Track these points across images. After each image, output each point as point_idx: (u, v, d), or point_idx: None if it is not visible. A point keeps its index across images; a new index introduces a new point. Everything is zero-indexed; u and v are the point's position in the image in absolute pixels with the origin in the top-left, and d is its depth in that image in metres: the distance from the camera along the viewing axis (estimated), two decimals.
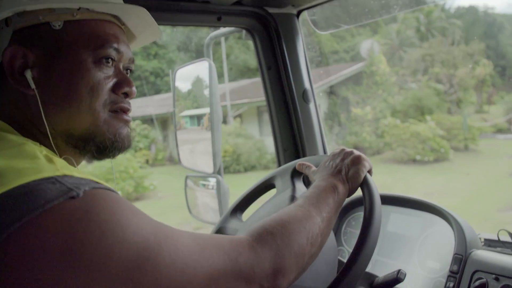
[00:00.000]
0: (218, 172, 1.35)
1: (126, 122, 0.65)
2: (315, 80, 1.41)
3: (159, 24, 0.73)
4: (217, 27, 1.44)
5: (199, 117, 1.44)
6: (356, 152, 0.80)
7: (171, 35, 13.88)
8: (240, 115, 12.73)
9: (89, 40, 0.61)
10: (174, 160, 12.39)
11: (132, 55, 0.68)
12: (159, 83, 15.00)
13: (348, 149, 0.82)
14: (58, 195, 0.45)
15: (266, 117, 12.35)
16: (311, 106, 1.35)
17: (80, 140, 0.62)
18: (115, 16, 0.66)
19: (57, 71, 0.60)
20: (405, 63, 12.36)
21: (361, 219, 0.71)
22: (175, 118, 1.47)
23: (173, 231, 0.52)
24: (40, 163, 0.49)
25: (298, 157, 1.34)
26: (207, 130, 1.35)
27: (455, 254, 0.91)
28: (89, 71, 0.60)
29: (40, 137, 0.60)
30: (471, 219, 0.99)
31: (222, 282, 0.52)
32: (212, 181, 1.41)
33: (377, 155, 10.03)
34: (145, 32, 0.72)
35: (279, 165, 1.36)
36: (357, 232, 1.13)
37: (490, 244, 0.97)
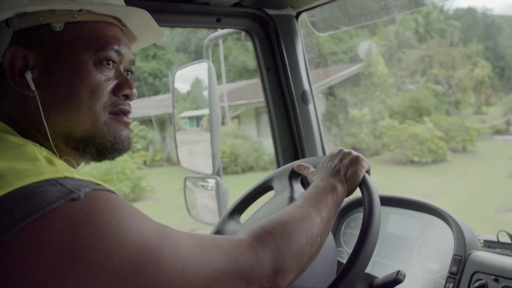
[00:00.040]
0: (218, 173, 1.35)
1: (126, 124, 0.65)
2: (313, 81, 1.41)
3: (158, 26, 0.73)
4: (216, 28, 1.44)
5: (198, 118, 1.44)
6: (354, 153, 0.80)
7: (169, 36, 13.88)
8: (238, 116, 12.73)
9: (89, 41, 0.61)
10: (171, 161, 12.37)
11: (132, 56, 0.68)
12: (157, 84, 14.99)
13: (346, 150, 0.82)
14: (59, 197, 0.45)
15: (264, 118, 12.35)
16: (310, 107, 1.36)
17: (80, 142, 0.61)
18: (116, 18, 0.66)
19: (58, 73, 0.59)
20: (404, 64, 12.40)
21: (360, 220, 0.71)
22: (174, 119, 1.47)
23: (173, 232, 0.52)
24: (41, 164, 0.49)
25: (297, 158, 1.34)
26: (206, 131, 1.35)
27: (455, 255, 0.91)
28: (90, 73, 0.60)
29: (40, 139, 0.60)
30: (469, 220, 0.99)
31: (222, 282, 0.52)
32: (211, 182, 1.41)
33: (375, 156, 10.05)
34: (146, 33, 0.72)
35: (278, 166, 1.36)
36: (356, 233, 1.13)
37: (490, 245, 0.97)
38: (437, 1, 1.45)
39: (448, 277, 0.90)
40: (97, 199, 0.47)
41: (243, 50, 14.32)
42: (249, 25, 1.32)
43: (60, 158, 0.59)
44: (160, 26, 0.72)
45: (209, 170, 1.32)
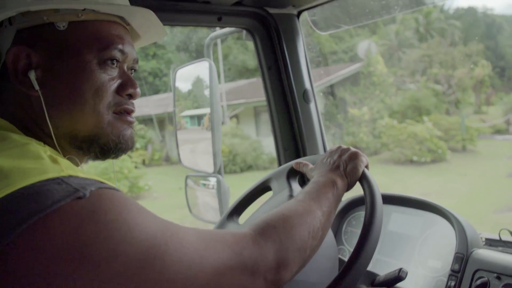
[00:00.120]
0: (219, 172, 1.35)
1: (130, 124, 0.65)
2: (313, 80, 1.41)
3: None
4: (217, 27, 1.44)
5: (199, 117, 1.44)
6: (353, 149, 0.81)
7: (169, 35, 13.87)
8: (236, 116, 12.72)
9: (93, 41, 0.61)
10: (170, 160, 12.37)
11: (136, 55, 0.67)
12: (157, 83, 15.00)
13: (344, 146, 0.83)
14: (64, 195, 0.45)
15: (263, 117, 12.35)
16: (312, 106, 1.36)
17: (84, 142, 0.61)
18: (120, 17, 0.65)
19: (61, 73, 0.59)
20: (404, 63, 12.40)
21: (362, 219, 0.72)
22: (176, 118, 1.47)
23: (178, 228, 0.52)
24: (45, 163, 0.49)
25: (298, 156, 1.34)
26: (207, 130, 1.35)
27: (457, 253, 0.91)
28: (94, 73, 0.60)
29: (43, 138, 0.59)
30: (467, 220, 0.99)
31: (228, 276, 0.53)
32: (213, 181, 1.41)
33: (374, 156, 10.05)
34: (149, 32, 0.72)
35: (279, 164, 1.36)
36: (358, 231, 1.13)
37: (491, 243, 0.97)
38: (437, 1, 1.45)
39: (450, 275, 0.90)
40: (103, 197, 0.47)
41: (243, 50, 14.31)
42: (250, 24, 1.32)
43: (64, 156, 0.59)
44: None
45: (210, 168, 1.32)
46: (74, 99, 0.59)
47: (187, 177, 1.48)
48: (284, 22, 1.33)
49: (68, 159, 0.58)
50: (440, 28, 12.70)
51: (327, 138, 1.41)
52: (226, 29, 1.45)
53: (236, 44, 14.48)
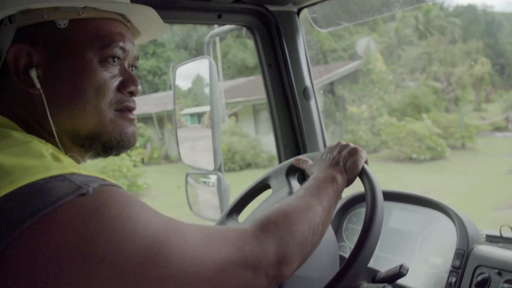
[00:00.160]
0: (219, 169, 1.35)
1: (131, 121, 0.65)
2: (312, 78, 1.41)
3: None
4: (217, 25, 1.44)
5: (199, 115, 1.44)
6: (352, 145, 0.82)
7: (169, 33, 13.84)
8: (235, 114, 12.71)
9: (94, 39, 0.61)
10: (169, 159, 12.37)
11: (137, 52, 0.67)
12: (157, 81, 14.98)
13: (344, 142, 0.84)
14: (68, 192, 0.45)
15: (262, 115, 12.34)
16: (312, 103, 1.36)
17: (86, 140, 0.62)
18: (121, 14, 0.65)
19: (62, 71, 0.59)
20: (403, 61, 12.40)
21: (362, 216, 0.72)
22: (176, 116, 1.46)
23: (181, 224, 0.52)
24: (47, 161, 0.49)
25: (299, 154, 1.34)
26: (207, 128, 1.35)
27: (457, 249, 0.91)
28: (95, 71, 0.60)
29: (45, 136, 0.60)
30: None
31: (229, 271, 0.53)
32: (213, 178, 1.41)
33: (373, 153, 10.05)
34: (150, 28, 0.72)
35: (280, 162, 1.36)
36: (358, 228, 1.13)
37: (492, 240, 0.98)
38: None
39: (451, 271, 0.91)
40: (106, 194, 0.48)
41: (243, 48, 14.29)
42: (250, 21, 1.32)
43: (66, 154, 0.59)
44: None
45: (210, 166, 1.32)
46: (75, 97, 0.59)
47: (187, 174, 1.48)
48: (284, 20, 1.33)
49: (69, 156, 0.58)
50: (439, 26, 12.69)
51: (326, 136, 1.41)
52: (226, 27, 1.45)
53: (235, 42, 14.46)
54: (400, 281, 0.90)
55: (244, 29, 1.37)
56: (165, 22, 1.27)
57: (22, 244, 0.42)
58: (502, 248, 0.91)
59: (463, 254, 0.90)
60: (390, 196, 1.11)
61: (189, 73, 1.50)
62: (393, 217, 1.10)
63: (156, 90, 14.57)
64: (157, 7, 0.69)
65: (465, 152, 9.81)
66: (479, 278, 0.85)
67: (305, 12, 1.39)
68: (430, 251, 0.99)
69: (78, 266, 0.43)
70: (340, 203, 1.20)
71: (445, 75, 11.43)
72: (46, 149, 0.52)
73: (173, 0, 1.15)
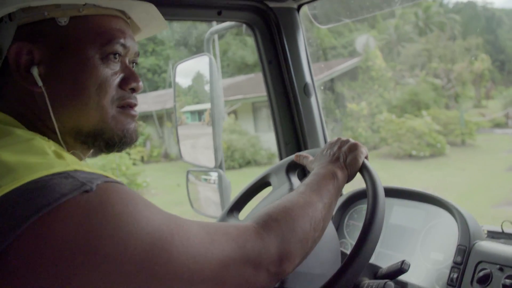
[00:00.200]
0: (220, 166, 1.35)
1: (133, 117, 0.65)
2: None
3: None
4: (217, 21, 1.43)
5: (200, 113, 1.44)
6: (352, 140, 0.82)
7: (168, 31, 13.81)
8: (234, 112, 12.70)
9: (95, 36, 0.61)
10: (169, 157, 12.37)
11: (137, 49, 0.67)
12: (156, 79, 14.96)
13: (344, 138, 0.84)
14: (72, 189, 0.45)
15: (261, 113, 12.33)
16: (312, 99, 1.35)
17: (89, 137, 0.62)
18: (121, 10, 0.65)
19: (64, 68, 0.59)
20: (403, 58, 12.38)
21: (363, 212, 0.72)
22: (176, 114, 1.46)
23: (184, 221, 0.53)
24: (50, 158, 0.49)
25: (299, 150, 1.34)
26: (208, 125, 1.35)
27: (459, 245, 0.91)
28: (97, 68, 0.60)
29: (48, 133, 0.60)
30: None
31: (232, 268, 0.53)
32: (214, 176, 1.41)
33: (373, 151, 10.06)
34: (150, 25, 0.72)
35: (281, 158, 1.36)
36: (359, 224, 1.13)
37: (494, 235, 0.97)
38: None
39: (452, 267, 0.91)
40: (109, 190, 0.48)
41: (242, 45, 14.25)
42: (250, 18, 1.31)
43: (68, 151, 0.59)
44: None
45: (211, 163, 1.32)
46: (78, 94, 0.59)
47: (188, 172, 1.48)
48: (284, 16, 1.32)
49: (71, 154, 0.58)
50: (439, 22, 12.67)
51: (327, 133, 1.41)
52: (226, 24, 1.44)
53: (235, 40, 14.42)
54: (402, 277, 0.90)
55: (244, 26, 1.36)
56: (164, 19, 1.26)
57: (26, 240, 0.42)
58: (504, 244, 0.91)
59: (465, 250, 0.90)
60: (391, 192, 1.11)
61: (189, 70, 1.49)
62: (395, 213, 1.10)
63: (155, 88, 14.56)
64: (156, 4, 0.69)
65: (465, 149, 9.81)
66: (481, 274, 0.85)
67: (305, 9, 1.38)
68: (431, 247, 0.99)
69: (82, 262, 0.43)
70: (341, 200, 1.20)
71: (445, 72, 11.41)
72: (49, 146, 0.52)
73: None
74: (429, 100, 11.02)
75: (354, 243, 0.68)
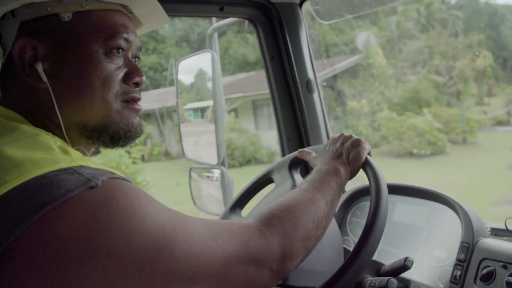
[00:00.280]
0: (222, 164, 1.35)
1: (137, 111, 0.66)
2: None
3: None
4: (219, 17, 1.43)
5: (202, 110, 1.44)
6: (355, 136, 0.82)
7: (170, 28, 13.79)
8: (235, 110, 12.68)
9: (99, 31, 0.61)
10: (169, 155, 12.37)
11: (140, 43, 0.67)
12: (158, 77, 14.94)
13: (347, 134, 0.83)
14: (77, 185, 0.45)
15: (261, 111, 12.31)
16: (315, 96, 1.35)
17: (94, 131, 0.62)
18: (123, 5, 0.65)
19: (68, 64, 0.59)
20: (405, 55, 12.34)
21: (366, 209, 0.72)
22: (179, 111, 1.46)
23: (187, 219, 0.53)
24: (56, 154, 0.50)
25: (302, 147, 1.34)
26: (211, 122, 1.34)
27: (462, 242, 0.91)
28: (101, 63, 0.60)
29: (53, 128, 0.60)
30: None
31: (234, 266, 0.53)
32: (216, 173, 1.41)
33: (373, 149, 9.90)
34: (151, 19, 0.72)
35: (283, 155, 1.35)
36: (362, 221, 1.13)
37: (497, 233, 0.97)
38: None
39: (455, 265, 0.90)
40: (114, 187, 0.48)
41: (244, 43, 14.22)
42: (252, 13, 1.31)
43: (73, 147, 0.60)
44: None
45: (214, 160, 1.32)
46: (82, 89, 0.59)
47: (191, 169, 1.48)
48: (286, 12, 1.32)
49: (76, 149, 0.58)
50: (441, 19, 12.60)
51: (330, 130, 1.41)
52: (228, 20, 1.44)
53: (236, 38, 14.39)
54: (405, 275, 0.90)
55: (246, 22, 1.36)
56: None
57: (32, 235, 0.42)
58: (508, 241, 0.91)
59: (468, 247, 0.90)
60: (395, 189, 1.11)
61: (191, 67, 1.49)
62: (398, 210, 1.09)
63: (157, 86, 14.54)
64: (158, 0, 0.69)
65: (466, 147, 9.79)
66: (484, 271, 0.85)
67: (307, 4, 1.37)
68: (434, 245, 0.98)
69: (86, 258, 0.43)
70: (344, 197, 1.20)
71: (447, 69, 11.37)
72: (54, 141, 0.52)
73: None
74: (430, 98, 10.99)
75: (357, 240, 0.68)
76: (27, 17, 0.59)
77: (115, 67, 0.62)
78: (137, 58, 0.68)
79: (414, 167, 9.00)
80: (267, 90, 1.39)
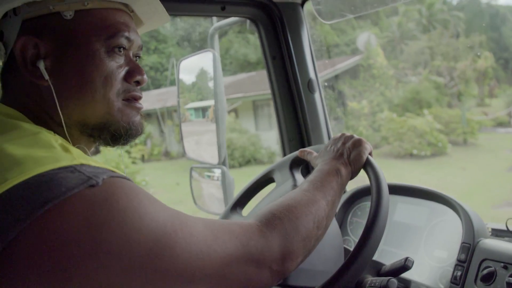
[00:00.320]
0: (223, 163, 1.35)
1: (138, 110, 0.66)
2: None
3: None
4: (220, 17, 1.43)
5: (204, 110, 1.44)
6: (356, 136, 0.82)
7: (171, 28, 13.79)
8: (235, 110, 12.68)
9: (100, 29, 0.61)
10: (169, 155, 12.36)
11: (141, 42, 0.68)
12: (159, 77, 14.94)
13: (348, 134, 0.83)
14: (78, 183, 0.45)
15: (261, 111, 12.30)
16: (316, 96, 1.35)
17: (95, 129, 0.62)
18: (124, 4, 0.65)
19: (70, 62, 0.59)
20: (406, 56, 12.32)
21: (367, 209, 0.72)
22: (180, 110, 1.46)
23: (187, 218, 0.53)
24: (57, 152, 0.50)
25: (303, 147, 1.34)
26: (212, 122, 1.34)
27: (463, 243, 0.91)
28: (102, 61, 0.60)
29: (54, 126, 0.60)
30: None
31: (234, 266, 0.53)
32: (217, 172, 1.41)
33: (374, 150, 9.96)
34: (153, 18, 0.72)
35: (284, 155, 1.35)
36: (363, 221, 1.13)
37: (498, 234, 0.97)
38: None
39: (456, 265, 0.90)
40: (115, 185, 0.48)
41: (245, 43, 14.22)
42: (254, 13, 1.31)
43: (74, 145, 0.60)
44: None
45: (215, 160, 1.32)
46: (84, 87, 0.60)
47: (191, 168, 1.48)
48: (288, 11, 1.32)
49: (77, 147, 0.58)
50: (443, 20, 12.58)
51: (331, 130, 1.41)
52: (230, 19, 1.44)
53: (237, 38, 14.39)
54: (405, 275, 0.90)
55: (248, 22, 1.36)
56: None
57: (32, 233, 0.42)
58: (508, 242, 0.91)
59: (469, 248, 0.90)
60: (396, 189, 1.11)
61: (193, 66, 1.49)
62: (398, 210, 1.09)
63: (158, 86, 14.54)
64: None
65: (466, 148, 9.77)
66: (485, 271, 0.85)
67: (309, 4, 1.37)
68: (435, 245, 0.98)
69: (86, 256, 0.43)
70: (344, 197, 1.20)
71: (448, 70, 11.35)
72: (55, 140, 0.53)
73: None
74: (431, 99, 10.97)
75: (357, 240, 0.68)
76: (29, 15, 0.59)
77: (117, 66, 0.62)
78: (138, 57, 0.69)
79: (414, 168, 8.99)
80: (267, 91, 1.39)
